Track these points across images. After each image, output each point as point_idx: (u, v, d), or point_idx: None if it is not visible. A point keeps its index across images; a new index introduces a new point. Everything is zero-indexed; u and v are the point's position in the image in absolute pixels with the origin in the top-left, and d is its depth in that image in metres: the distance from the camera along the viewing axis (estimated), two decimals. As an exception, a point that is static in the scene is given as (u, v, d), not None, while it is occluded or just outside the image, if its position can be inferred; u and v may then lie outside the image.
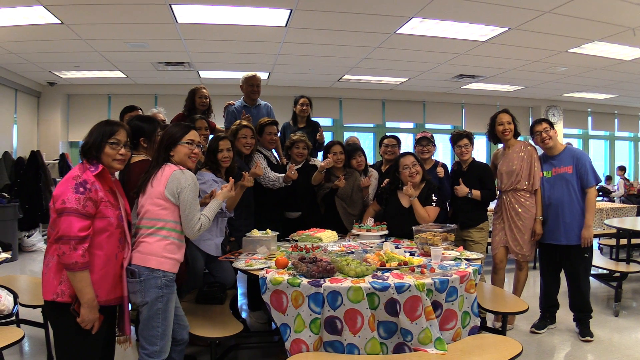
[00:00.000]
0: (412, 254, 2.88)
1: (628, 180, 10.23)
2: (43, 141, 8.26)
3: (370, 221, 3.55)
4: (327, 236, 3.36)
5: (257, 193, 3.59)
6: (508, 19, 4.99)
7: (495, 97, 9.81)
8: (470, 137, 3.74)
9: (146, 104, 6.02)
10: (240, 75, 4.61)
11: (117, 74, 7.55)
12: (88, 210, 1.94)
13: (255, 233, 3.17)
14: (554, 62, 6.86)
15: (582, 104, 10.64)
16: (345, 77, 8.11)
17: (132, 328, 2.34)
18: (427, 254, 2.88)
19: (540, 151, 3.62)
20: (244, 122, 3.66)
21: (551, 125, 3.50)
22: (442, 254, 2.81)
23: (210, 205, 2.45)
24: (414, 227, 3.13)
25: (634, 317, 3.99)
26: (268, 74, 7.75)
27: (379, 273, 2.47)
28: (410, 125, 10.31)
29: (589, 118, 11.29)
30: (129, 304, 2.19)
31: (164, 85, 8.40)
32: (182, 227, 2.25)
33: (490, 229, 3.86)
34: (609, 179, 10.90)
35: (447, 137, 3.99)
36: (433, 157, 3.96)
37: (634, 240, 5.09)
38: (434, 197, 3.45)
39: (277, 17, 4.98)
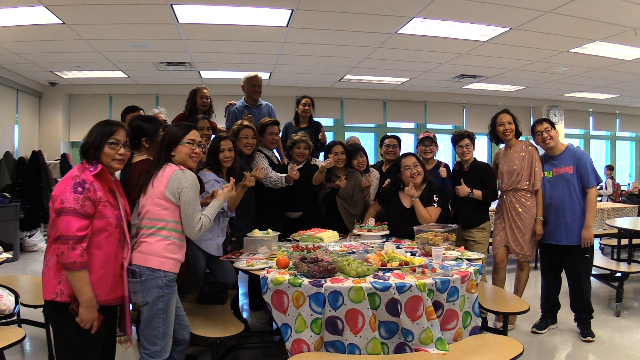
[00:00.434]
0: (413, 254, 2.88)
1: (614, 179, 10.23)
2: (44, 141, 8.27)
3: (371, 221, 3.55)
4: (328, 236, 3.37)
5: (259, 193, 3.59)
6: (509, 19, 4.99)
7: (496, 97, 9.80)
8: (471, 137, 3.74)
9: (147, 104, 6.00)
10: (241, 75, 4.62)
11: (119, 74, 7.55)
12: (86, 210, 1.95)
13: (257, 233, 3.17)
14: (555, 62, 6.85)
15: (583, 104, 10.63)
16: (347, 77, 8.11)
17: (134, 328, 2.35)
18: (428, 254, 2.88)
19: (541, 151, 3.62)
20: (245, 122, 3.66)
21: (552, 125, 3.50)
22: (443, 254, 2.81)
23: (211, 205, 2.45)
24: (415, 227, 3.13)
25: (635, 317, 3.98)
26: (269, 74, 7.74)
27: (380, 273, 2.47)
28: (411, 125, 10.31)
29: (590, 118, 11.27)
30: (130, 304, 2.19)
31: (165, 86, 8.40)
32: (183, 227, 2.25)
33: (492, 229, 3.86)
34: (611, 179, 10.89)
35: (449, 137, 3.99)
36: (435, 158, 3.96)
37: (635, 241, 5.08)
38: (435, 198, 3.45)
39: (278, 17, 4.97)
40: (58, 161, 7.95)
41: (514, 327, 3.62)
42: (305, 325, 2.26)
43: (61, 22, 4.95)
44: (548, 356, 3.24)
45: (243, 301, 4.33)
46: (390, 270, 2.52)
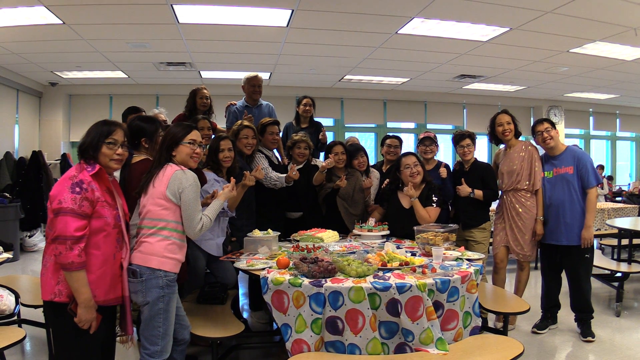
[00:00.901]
0: (413, 254, 2.88)
1: (604, 177, 10.24)
2: (44, 141, 8.28)
3: (371, 221, 3.54)
4: (329, 236, 3.36)
5: (259, 193, 3.59)
6: (509, 19, 4.99)
7: (496, 97, 9.80)
8: (472, 137, 3.74)
9: (147, 104, 6.01)
10: (241, 75, 4.62)
11: (119, 74, 7.56)
12: (84, 210, 1.94)
13: (257, 233, 3.17)
14: (555, 62, 6.85)
15: (583, 104, 10.63)
16: (347, 77, 8.11)
17: (134, 328, 2.35)
18: (428, 254, 2.88)
19: (541, 151, 3.62)
20: (246, 122, 3.66)
21: (552, 125, 3.50)
22: (444, 254, 2.81)
23: (211, 205, 2.45)
24: (415, 227, 3.13)
25: (636, 317, 3.98)
26: (269, 74, 7.75)
27: (380, 273, 2.47)
28: (411, 125, 10.31)
29: (591, 118, 11.27)
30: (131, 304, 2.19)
31: (165, 86, 8.40)
32: (183, 227, 2.25)
33: (492, 229, 3.86)
34: (610, 179, 10.90)
35: (449, 137, 3.99)
36: (435, 158, 3.96)
37: (635, 241, 5.08)
38: (434, 198, 3.45)
39: (278, 17, 4.98)
40: (58, 161, 7.95)
41: (514, 327, 3.62)
42: (305, 326, 2.26)
43: (61, 22, 4.95)
44: (548, 356, 3.24)
45: (243, 301, 4.33)
46: (390, 270, 2.52)
